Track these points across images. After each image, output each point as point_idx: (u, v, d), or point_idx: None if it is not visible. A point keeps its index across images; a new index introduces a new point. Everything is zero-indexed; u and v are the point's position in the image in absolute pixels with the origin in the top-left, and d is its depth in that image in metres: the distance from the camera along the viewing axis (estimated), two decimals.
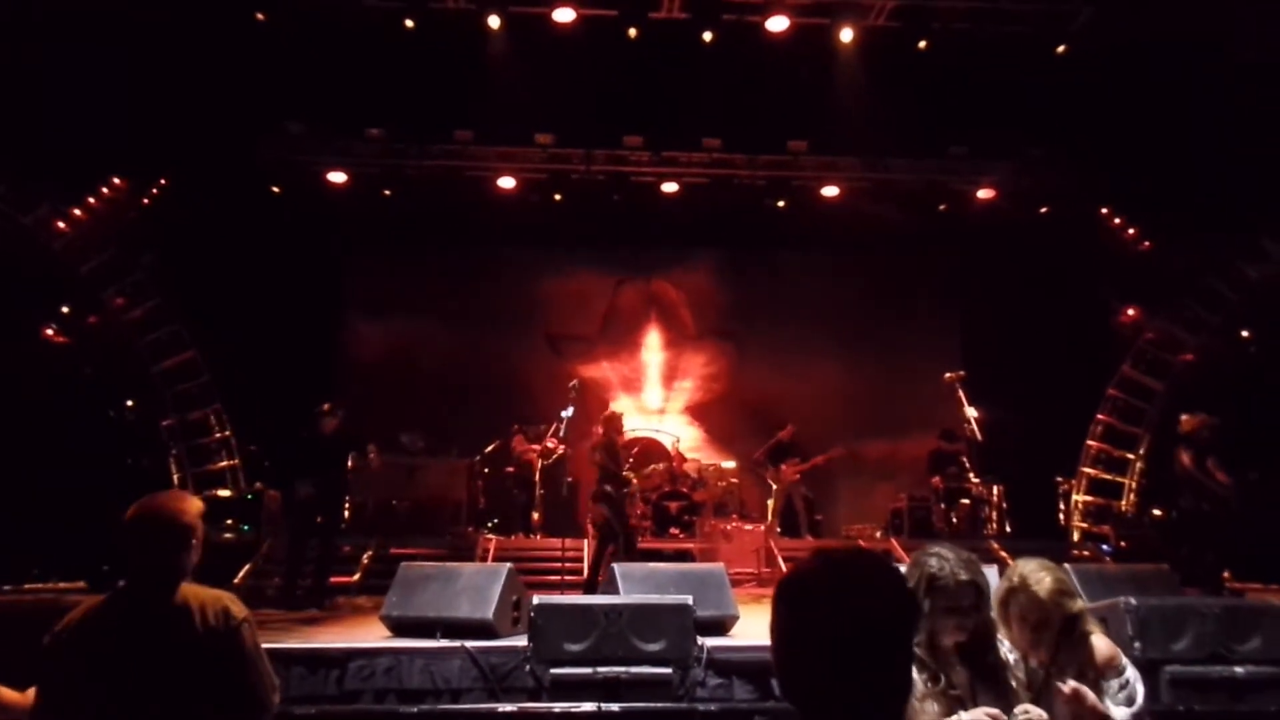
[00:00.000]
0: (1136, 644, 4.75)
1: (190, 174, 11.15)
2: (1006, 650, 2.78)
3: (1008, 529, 11.16)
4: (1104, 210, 12.33)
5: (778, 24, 10.00)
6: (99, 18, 8.92)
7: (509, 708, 4.66)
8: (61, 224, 10.65)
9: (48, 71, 8.91)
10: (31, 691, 2.60)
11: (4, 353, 9.57)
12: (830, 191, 12.42)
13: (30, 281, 10.46)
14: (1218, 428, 8.11)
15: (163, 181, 11.35)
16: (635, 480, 9.20)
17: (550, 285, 13.96)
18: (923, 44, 10.22)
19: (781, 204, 12.61)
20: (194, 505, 2.76)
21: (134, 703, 2.49)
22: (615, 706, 4.55)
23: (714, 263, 14.13)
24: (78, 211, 10.76)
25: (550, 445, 10.49)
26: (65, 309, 10.98)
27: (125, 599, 2.68)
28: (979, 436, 9.89)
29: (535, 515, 10.87)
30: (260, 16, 9.72)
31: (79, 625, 2.63)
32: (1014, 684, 2.66)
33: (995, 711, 2.23)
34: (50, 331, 10.83)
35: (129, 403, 11.36)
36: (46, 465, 9.19)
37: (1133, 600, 4.95)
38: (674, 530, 10.81)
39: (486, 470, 11.92)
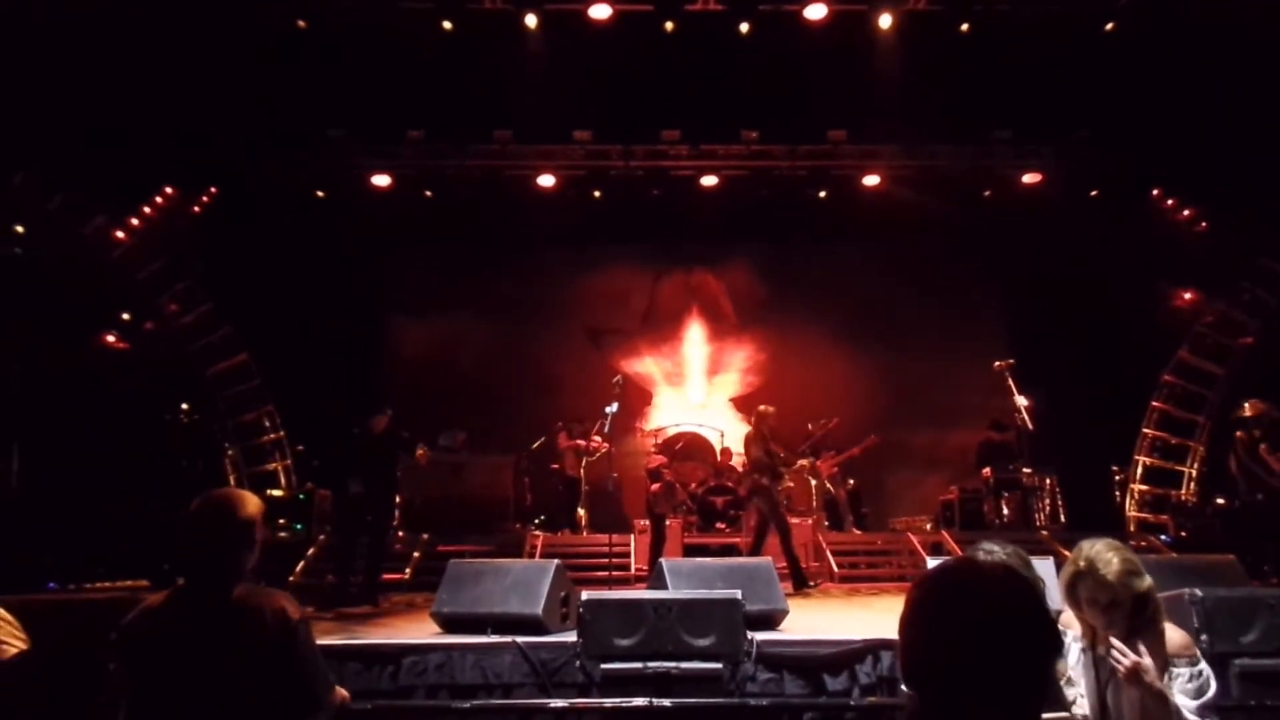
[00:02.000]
0: (1203, 637, 4.57)
1: (237, 181, 11.40)
2: (1071, 639, 2.73)
3: (1062, 519, 10.92)
4: (1155, 192, 11.99)
5: (815, 12, 9.88)
6: (145, 31, 9.14)
7: (560, 703, 4.68)
8: (119, 234, 10.96)
9: (97, 86, 9.15)
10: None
11: (66, 359, 9.88)
12: (871, 180, 12.26)
13: (89, 290, 10.77)
14: (1277, 421, 7.86)
15: (212, 190, 11.63)
16: (788, 473, 9.36)
17: (591, 280, 14.00)
18: (964, 27, 10.03)
19: (822, 194, 12.50)
20: (253, 503, 2.80)
21: (194, 697, 2.55)
22: (666, 702, 4.54)
23: (755, 255, 14.05)
24: (134, 221, 11.06)
25: (595, 443, 10.53)
26: (125, 316, 11.29)
27: (186, 596, 2.74)
28: (1030, 426, 9.69)
29: (581, 512, 10.91)
30: (301, 24, 9.88)
31: (142, 621, 2.68)
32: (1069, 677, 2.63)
33: None
34: (110, 338, 11.14)
35: (184, 406, 11.65)
36: (106, 468, 9.46)
37: (1198, 592, 4.78)
38: (720, 525, 10.78)
39: (532, 467, 12.01)
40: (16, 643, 2.52)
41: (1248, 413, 7.98)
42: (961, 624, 1.38)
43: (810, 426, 11.73)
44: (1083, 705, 2.67)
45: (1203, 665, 2.65)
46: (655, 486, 9.87)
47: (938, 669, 1.38)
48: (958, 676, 1.36)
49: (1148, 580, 2.66)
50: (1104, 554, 2.64)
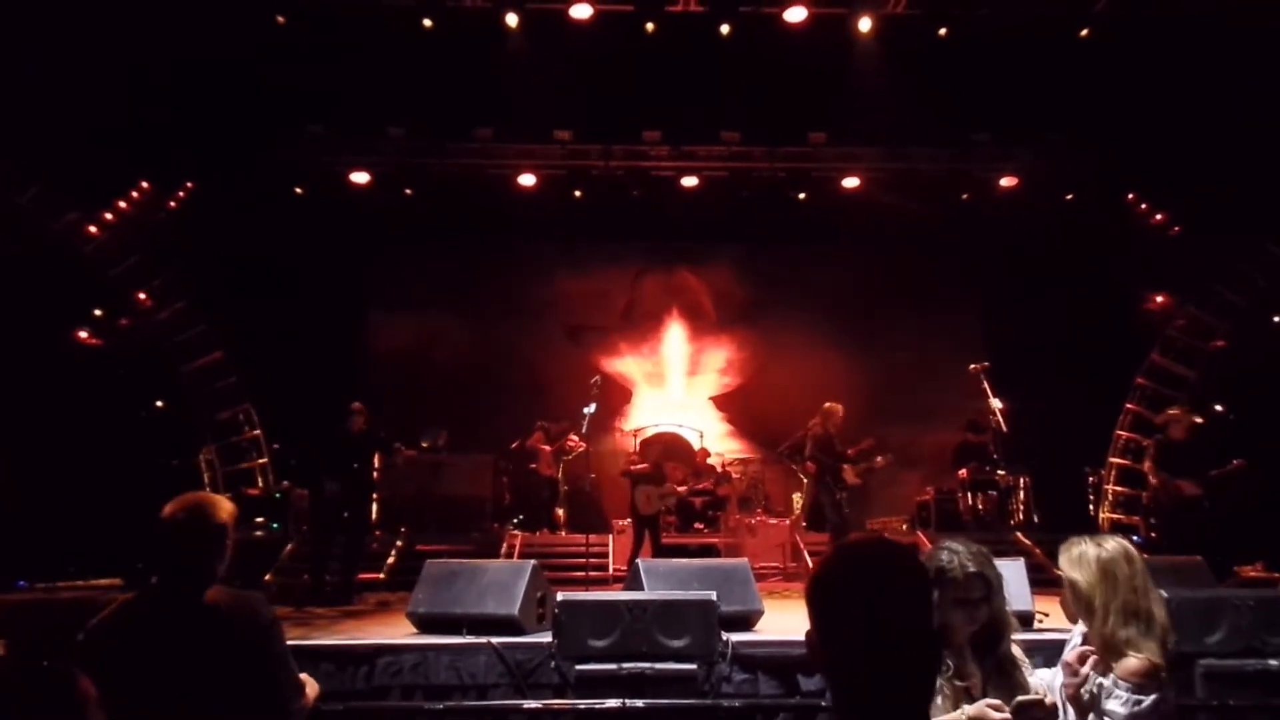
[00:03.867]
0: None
1: (214, 177, 11.29)
2: (1077, 634, 2.77)
3: (1035, 520, 11.05)
4: (1130, 196, 12.14)
5: (795, 15, 9.92)
6: (121, 24, 9.03)
7: (534, 704, 4.69)
8: (92, 228, 10.82)
9: (71, 79, 9.03)
10: None
11: (38, 356, 9.75)
12: (851, 183, 12.33)
13: (63, 286, 10.63)
14: (1193, 426, 7.99)
15: (188, 185, 11.51)
16: (852, 470, 9.29)
17: (571, 279, 14.00)
18: (942, 31, 10.11)
19: (802, 196, 12.55)
20: (226, 508, 2.80)
21: (163, 698, 2.54)
22: (640, 703, 4.57)
23: (735, 255, 14.11)
24: (108, 216, 10.93)
25: (572, 443, 10.53)
26: (97, 312, 11.15)
27: (157, 597, 2.73)
28: (1004, 427, 9.79)
29: (559, 512, 10.91)
30: (280, 20, 9.81)
31: (113, 622, 2.68)
32: (1032, 676, 2.66)
33: (996, 702, 2.23)
34: (83, 335, 11.00)
35: (158, 403, 11.52)
36: (80, 465, 9.35)
37: (1163, 593, 4.84)
38: (698, 525, 10.82)
39: (511, 467, 11.99)
40: None
41: (1158, 421, 8.16)
42: (845, 629, 1.40)
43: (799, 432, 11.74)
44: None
45: (1146, 699, 2.53)
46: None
47: (843, 674, 1.41)
48: (858, 677, 1.39)
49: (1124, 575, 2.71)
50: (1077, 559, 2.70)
